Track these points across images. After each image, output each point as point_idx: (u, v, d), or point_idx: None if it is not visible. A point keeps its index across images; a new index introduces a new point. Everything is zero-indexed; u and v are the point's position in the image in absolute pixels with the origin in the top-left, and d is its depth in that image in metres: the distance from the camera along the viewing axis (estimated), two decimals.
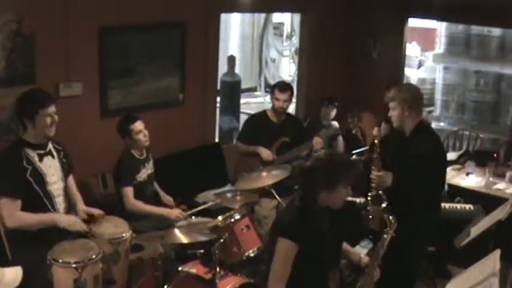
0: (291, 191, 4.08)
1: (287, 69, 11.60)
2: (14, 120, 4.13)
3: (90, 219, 4.06)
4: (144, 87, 5.91)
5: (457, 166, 6.40)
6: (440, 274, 5.28)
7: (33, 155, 3.85)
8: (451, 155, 6.56)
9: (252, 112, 7.32)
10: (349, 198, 3.44)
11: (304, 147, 5.77)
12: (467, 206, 5.60)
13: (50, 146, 3.99)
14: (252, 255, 4.41)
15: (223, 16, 6.86)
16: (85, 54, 5.37)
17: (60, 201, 3.97)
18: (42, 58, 5.02)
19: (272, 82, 9.87)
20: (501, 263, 2.79)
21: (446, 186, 5.01)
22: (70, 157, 4.16)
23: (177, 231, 4.38)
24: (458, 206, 5.64)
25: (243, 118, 7.38)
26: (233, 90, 9.15)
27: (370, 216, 4.27)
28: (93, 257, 3.59)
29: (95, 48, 5.46)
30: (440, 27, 9.61)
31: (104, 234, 3.94)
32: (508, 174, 6.02)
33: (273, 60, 11.54)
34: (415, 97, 4.31)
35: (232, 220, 4.41)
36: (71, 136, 4.75)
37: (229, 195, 5.10)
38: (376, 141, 4.34)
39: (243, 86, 9.88)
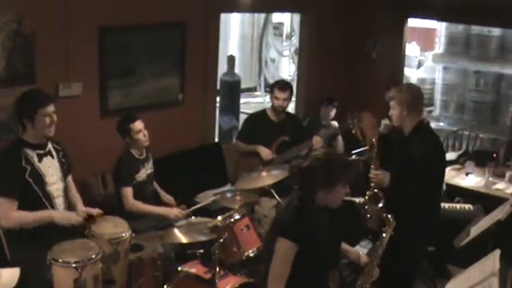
0: (291, 190, 4.08)
1: (287, 69, 11.61)
2: (14, 120, 4.12)
3: (89, 219, 4.06)
4: (144, 87, 5.91)
5: (457, 166, 6.40)
6: (440, 274, 5.28)
7: (33, 155, 3.83)
8: (450, 155, 6.56)
9: (252, 112, 7.32)
10: (349, 198, 3.45)
11: (304, 146, 5.77)
12: (467, 206, 5.60)
13: (50, 146, 3.98)
14: (251, 255, 4.40)
15: (223, 16, 6.87)
16: (85, 54, 5.37)
17: (60, 202, 3.96)
18: (42, 58, 5.02)
19: (272, 82, 9.88)
20: (501, 263, 2.80)
21: (444, 186, 5.00)
22: (69, 157, 4.15)
23: (176, 231, 4.39)
24: (458, 206, 5.64)
25: (242, 118, 7.39)
26: (233, 90, 9.15)
27: (368, 216, 4.28)
28: (93, 256, 3.59)
29: (95, 48, 5.46)
30: (440, 27, 9.61)
31: (103, 234, 3.94)
32: (507, 174, 6.02)
33: (273, 60, 11.55)
34: (415, 97, 4.31)
35: (232, 220, 4.41)
36: (71, 136, 4.76)
37: (229, 195, 5.09)
38: (374, 139, 4.35)
39: (243, 85, 9.89)
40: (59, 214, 3.88)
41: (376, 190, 4.26)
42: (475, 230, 4.21)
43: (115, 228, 4.05)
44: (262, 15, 10.85)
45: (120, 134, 4.90)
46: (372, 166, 4.30)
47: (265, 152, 5.78)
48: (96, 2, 5.33)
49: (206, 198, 5.19)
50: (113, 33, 5.54)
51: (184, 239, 4.33)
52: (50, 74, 5.09)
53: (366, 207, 4.26)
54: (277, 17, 11.30)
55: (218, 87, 7.44)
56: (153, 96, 5.99)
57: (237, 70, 9.38)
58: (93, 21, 5.35)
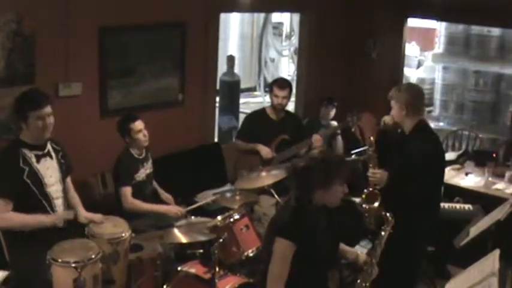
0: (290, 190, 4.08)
1: (286, 69, 11.61)
2: (13, 120, 4.10)
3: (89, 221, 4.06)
4: (143, 87, 5.91)
5: (457, 166, 6.40)
6: (439, 274, 5.29)
7: (31, 155, 3.80)
8: (450, 155, 6.56)
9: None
10: (348, 198, 3.45)
11: (304, 145, 5.77)
12: (467, 206, 5.61)
13: (49, 146, 3.94)
14: (251, 255, 4.40)
15: (222, 16, 6.87)
16: (85, 54, 5.37)
17: (59, 204, 3.92)
18: (41, 58, 5.02)
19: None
20: (500, 263, 2.80)
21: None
22: (69, 158, 4.11)
23: (176, 231, 4.38)
24: (458, 206, 5.64)
25: (242, 118, 7.39)
26: (232, 90, 9.15)
27: (366, 215, 4.28)
28: (93, 256, 3.59)
29: (95, 48, 5.46)
30: (439, 27, 9.61)
31: (103, 234, 3.95)
32: (507, 174, 6.02)
33: (272, 60, 11.55)
34: (415, 97, 4.30)
35: (232, 220, 4.41)
36: (71, 136, 4.76)
37: (228, 195, 5.09)
38: (371, 138, 4.36)
39: (243, 85, 9.89)
40: (49, 219, 3.79)
41: (373, 189, 4.27)
42: (474, 230, 4.22)
43: (115, 228, 4.05)
44: (262, 15, 10.84)
45: (120, 134, 4.90)
46: (370, 165, 4.31)
47: (265, 151, 5.79)
48: (96, 2, 5.33)
49: (206, 198, 5.20)
50: (113, 33, 5.54)
51: (183, 239, 4.33)
52: (49, 74, 5.09)
53: (364, 205, 4.27)
54: (276, 16, 11.30)
55: (218, 87, 7.44)
56: (153, 96, 5.99)
57: (236, 70, 9.38)
58: (93, 21, 5.35)
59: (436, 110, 9.72)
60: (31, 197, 3.76)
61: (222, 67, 8.57)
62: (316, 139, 5.71)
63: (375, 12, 7.70)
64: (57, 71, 5.17)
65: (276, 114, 5.93)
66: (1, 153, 3.89)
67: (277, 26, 11.51)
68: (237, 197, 4.94)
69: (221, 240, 4.15)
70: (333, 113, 7.00)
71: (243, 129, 6.15)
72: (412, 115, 4.26)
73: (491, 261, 2.85)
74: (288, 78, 9.61)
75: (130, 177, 4.85)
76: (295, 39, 9.99)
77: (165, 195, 5.23)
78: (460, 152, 6.95)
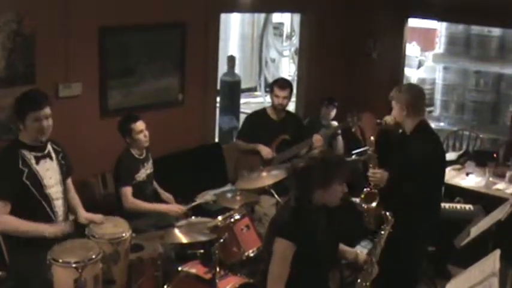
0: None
1: (287, 69, 11.60)
2: (13, 120, 4.07)
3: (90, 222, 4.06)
4: (144, 87, 5.91)
5: (457, 166, 6.40)
6: (440, 274, 5.28)
7: (30, 157, 3.75)
8: (451, 155, 6.56)
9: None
10: (348, 198, 3.45)
11: (304, 145, 5.77)
12: (467, 206, 5.61)
13: (49, 147, 3.89)
14: (251, 255, 4.40)
15: (223, 16, 6.87)
16: (85, 54, 5.37)
17: (59, 205, 3.87)
18: (42, 58, 5.02)
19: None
20: (501, 263, 2.80)
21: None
22: (69, 158, 4.06)
23: (177, 231, 4.38)
24: (458, 206, 5.64)
25: (242, 118, 7.39)
26: (233, 90, 9.15)
27: (365, 215, 4.28)
28: (93, 257, 3.59)
29: (95, 49, 5.46)
30: (440, 27, 9.61)
31: (103, 234, 3.95)
32: (507, 174, 6.02)
33: (273, 60, 11.54)
34: (415, 97, 4.30)
35: (232, 220, 4.41)
36: (71, 136, 4.77)
37: (229, 195, 5.09)
38: (372, 138, 4.36)
39: (243, 86, 9.89)
40: (51, 230, 3.71)
41: (371, 189, 4.27)
42: (475, 230, 4.21)
43: (115, 228, 4.05)
44: (262, 15, 10.84)
45: (120, 134, 4.90)
46: (370, 165, 4.31)
47: (266, 151, 5.78)
48: (96, 2, 5.33)
49: (206, 198, 5.19)
50: (113, 33, 5.54)
51: (184, 239, 4.32)
52: (49, 74, 5.09)
53: (363, 205, 4.27)
54: (277, 17, 11.29)
55: (218, 87, 7.44)
56: (153, 97, 5.99)
57: (237, 70, 9.38)
58: (93, 21, 5.35)
59: (437, 110, 9.72)
60: (30, 198, 3.72)
61: (222, 67, 8.57)
62: (317, 139, 5.71)
63: (375, 13, 7.70)
64: (57, 71, 5.17)
65: (277, 114, 5.93)
66: (0, 154, 3.84)
67: (278, 26, 11.51)
68: (238, 197, 4.94)
69: (222, 240, 4.15)
70: (333, 113, 7.00)
71: (244, 130, 6.15)
72: (412, 115, 4.25)
73: (492, 261, 2.85)
74: (289, 78, 9.61)
75: (130, 177, 4.85)
76: (295, 40, 9.99)
77: (165, 195, 5.23)
78: (461, 152, 6.95)
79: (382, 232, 3.57)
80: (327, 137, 6.17)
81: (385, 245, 3.60)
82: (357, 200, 4.42)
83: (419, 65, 10.78)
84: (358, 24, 7.81)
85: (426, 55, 10.67)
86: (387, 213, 3.60)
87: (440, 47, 9.61)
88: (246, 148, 5.92)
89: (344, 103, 7.12)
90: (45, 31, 4.99)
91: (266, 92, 10.58)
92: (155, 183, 5.21)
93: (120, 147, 4.92)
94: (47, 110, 3.74)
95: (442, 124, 9.28)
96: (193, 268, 4.30)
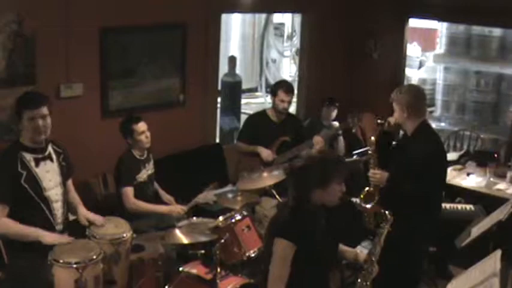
0: None
1: (288, 70, 11.60)
2: (14, 120, 4.06)
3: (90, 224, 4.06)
4: (144, 88, 5.92)
5: (458, 166, 6.41)
6: (441, 274, 5.29)
7: (30, 159, 3.71)
8: (451, 156, 6.57)
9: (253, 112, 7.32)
10: (350, 199, 3.44)
11: (305, 146, 5.77)
12: (468, 207, 5.61)
13: (50, 148, 3.85)
14: (252, 255, 4.41)
15: (223, 16, 6.87)
16: (86, 55, 5.37)
17: (58, 207, 3.83)
18: (42, 59, 5.03)
19: (273, 82, 9.87)
20: (502, 264, 2.80)
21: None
22: (70, 160, 4.02)
23: (178, 231, 4.38)
24: (459, 206, 5.64)
25: (243, 118, 7.39)
26: (234, 90, 9.15)
27: (365, 215, 4.29)
28: (94, 257, 3.60)
29: (96, 49, 5.46)
30: (440, 28, 9.60)
31: (104, 235, 3.95)
32: (508, 175, 6.02)
33: (274, 61, 11.54)
34: (416, 99, 4.29)
35: (233, 220, 4.41)
36: (72, 137, 4.77)
37: (230, 195, 5.09)
38: (372, 138, 4.36)
39: (244, 86, 9.88)
40: (48, 236, 3.68)
41: (370, 188, 4.28)
42: (476, 231, 4.21)
43: (116, 228, 4.06)
44: (263, 16, 10.84)
45: (122, 134, 4.90)
46: (370, 165, 4.32)
47: (266, 153, 5.78)
48: (96, 3, 5.33)
49: (207, 199, 5.19)
50: (114, 33, 5.55)
51: (185, 240, 4.32)
52: (50, 74, 5.10)
53: (362, 205, 4.27)
54: (278, 17, 11.29)
55: (219, 87, 7.45)
56: (154, 97, 6.00)
57: (238, 71, 9.38)
58: (94, 22, 5.36)
59: (438, 111, 9.71)
60: (29, 201, 3.69)
61: (223, 68, 8.57)
62: (317, 140, 5.70)
63: (376, 13, 7.70)
64: (58, 72, 5.17)
65: (277, 116, 5.92)
66: None
67: (279, 27, 11.50)
68: (239, 198, 4.94)
69: (223, 240, 4.16)
70: (334, 113, 6.99)
71: (244, 132, 6.15)
72: (413, 117, 4.25)
73: (493, 261, 2.85)
74: (290, 78, 9.65)
75: (132, 177, 4.85)
76: (296, 40, 10.00)
77: (166, 196, 5.23)
78: (462, 152, 6.95)
79: (381, 231, 3.57)
80: (328, 137, 6.16)
81: (386, 245, 3.59)
82: (357, 200, 4.42)
83: (420, 65, 10.77)
84: (358, 25, 7.82)
85: (427, 55, 10.66)
86: (386, 212, 3.59)
87: (441, 47, 9.59)
88: (247, 150, 5.91)
89: (345, 103, 7.12)
90: (46, 32, 5.00)
91: (267, 92, 10.57)
92: (156, 184, 5.21)
93: (121, 148, 4.93)
94: (43, 110, 3.69)
95: (442, 124, 9.26)
96: (194, 268, 4.30)
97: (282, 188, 4.87)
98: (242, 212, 4.53)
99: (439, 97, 9.67)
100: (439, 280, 5.20)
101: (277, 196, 4.87)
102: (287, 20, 11.42)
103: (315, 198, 3.23)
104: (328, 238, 3.33)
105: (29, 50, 4.95)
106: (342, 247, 3.59)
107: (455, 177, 6.11)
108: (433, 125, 5.46)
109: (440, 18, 8.18)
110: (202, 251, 4.44)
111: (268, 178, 4.95)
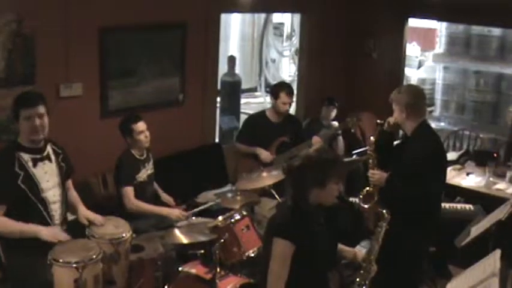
0: None
1: (287, 70, 11.60)
2: (12, 120, 4.04)
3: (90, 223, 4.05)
4: (144, 88, 5.92)
5: (457, 166, 6.41)
6: (440, 274, 5.28)
7: (27, 159, 3.67)
8: (451, 155, 6.57)
9: (252, 112, 7.32)
10: (349, 199, 3.44)
11: (304, 146, 5.76)
12: (468, 206, 5.61)
13: (49, 149, 3.82)
14: (252, 255, 4.40)
15: (223, 16, 6.87)
16: (85, 54, 5.37)
17: (56, 208, 3.79)
18: (42, 59, 5.03)
19: (272, 82, 9.87)
20: (501, 263, 2.80)
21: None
22: (69, 160, 3.98)
23: (177, 231, 4.39)
24: (459, 206, 5.64)
25: (243, 118, 7.40)
26: (233, 90, 9.15)
27: (365, 215, 4.29)
28: (94, 257, 3.59)
29: (95, 49, 5.46)
30: (440, 27, 9.60)
31: (104, 235, 3.95)
32: (508, 174, 6.03)
33: (273, 61, 11.54)
34: (415, 99, 4.28)
35: (233, 220, 4.41)
36: (71, 136, 4.77)
37: (229, 195, 5.09)
38: (372, 138, 4.36)
39: (243, 86, 9.89)
40: (46, 232, 3.64)
41: (370, 188, 4.28)
42: (475, 230, 4.22)
43: (116, 228, 4.05)
44: (263, 16, 10.84)
45: (121, 134, 4.90)
46: (369, 165, 4.32)
47: (264, 154, 5.78)
48: (96, 2, 5.33)
49: (207, 198, 5.19)
50: (113, 33, 5.54)
51: (185, 240, 4.32)
52: (50, 74, 5.10)
53: (362, 205, 4.27)
54: (277, 17, 11.29)
55: (218, 87, 7.44)
56: (153, 97, 6.00)
57: (237, 70, 9.38)
58: (93, 22, 5.36)
59: (437, 110, 9.72)
60: (26, 201, 3.65)
61: (222, 67, 8.57)
62: (316, 140, 5.71)
63: (375, 13, 7.71)
64: (57, 72, 5.17)
65: (276, 117, 5.92)
66: None
67: (278, 27, 11.51)
68: (238, 198, 4.94)
69: (222, 240, 4.16)
70: (334, 113, 6.99)
71: (243, 133, 6.14)
72: (413, 117, 4.24)
73: (492, 261, 2.85)
74: (289, 78, 9.67)
75: (131, 177, 4.85)
76: (296, 40, 9.99)
77: (165, 197, 5.23)
78: (461, 152, 6.95)
79: (379, 229, 3.57)
80: (327, 137, 6.16)
81: (386, 245, 3.59)
82: (357, 200, 4.42)
83: (420, 65, 10.77)
84: (358, 25, 7.82)
85: (426, 55, 10.66)
86: (383, 211, 3.59)
87: (440, 47, 9.60)
88: (246, 151, 5.91)
89: (344, 103, 7.13)
90: (46, 32, 5.00)
91: (266, 92, 10.57)
92: (155, 184, 5.21)
93: (121, 148, 4.93)
94: (40, 109, 3.65)
95: (442, 124, 9.27)
96: (194, 268, 4.30)
97: (281, 188, 4.89)
98: (241, 211, 4.53)
99: (438, 97, 9.68)
100: (438, 280, 5.20)
101: (276, 196, 4.87)
102: (286, 19, 11.42)
103: (313, 198, 3.23)
104: (328, 238, 3.33)
105: (28, 49, 4.95)
106: (341, 246, 3.59)
107: (455, 177, 6.11)
108: (433, 124, 5.46)
109: (440, 18, 8.18)
110: (202, 251, 4.44)
111: (268, 178, 4.96)
